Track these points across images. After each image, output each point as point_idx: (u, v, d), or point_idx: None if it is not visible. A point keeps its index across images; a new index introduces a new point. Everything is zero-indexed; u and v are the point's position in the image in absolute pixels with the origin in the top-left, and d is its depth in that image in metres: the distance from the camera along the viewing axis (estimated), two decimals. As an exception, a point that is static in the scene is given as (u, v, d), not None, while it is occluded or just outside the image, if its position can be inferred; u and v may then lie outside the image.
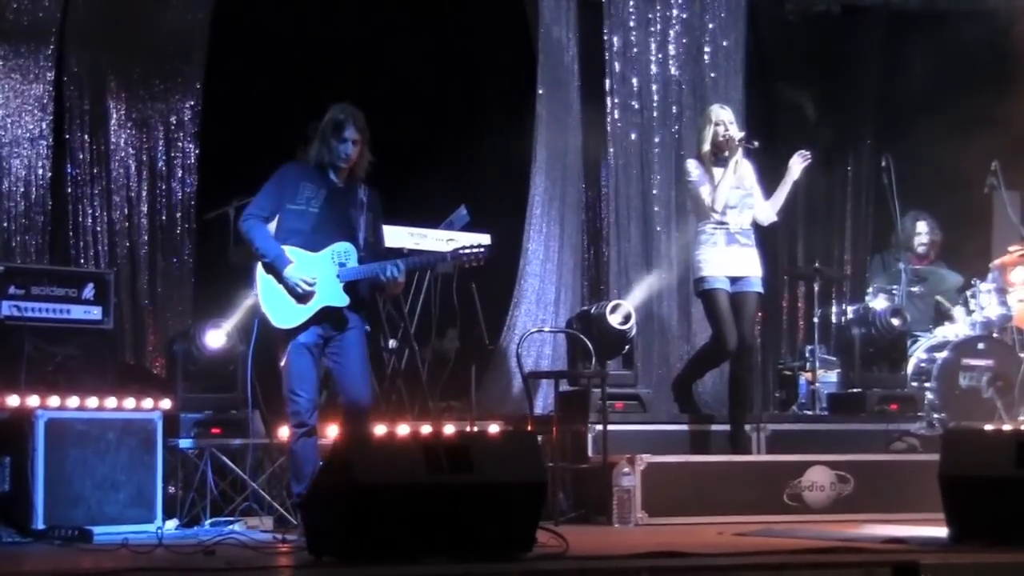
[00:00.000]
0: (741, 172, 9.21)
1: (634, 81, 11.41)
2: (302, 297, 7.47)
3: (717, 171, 9.14)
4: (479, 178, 11.12)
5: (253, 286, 7.66)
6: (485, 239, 9.50)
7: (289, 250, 7.52)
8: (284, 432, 8.73)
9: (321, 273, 7.51)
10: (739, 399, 9.27)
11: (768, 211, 9.33)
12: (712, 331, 9.29)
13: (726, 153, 9.16)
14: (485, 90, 11.73)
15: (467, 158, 11.38)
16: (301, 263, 7.50)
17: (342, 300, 7.55)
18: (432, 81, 11.44)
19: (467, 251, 7.72)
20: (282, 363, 7.56)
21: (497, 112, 11.61)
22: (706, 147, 9.20)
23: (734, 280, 9.13)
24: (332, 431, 8.60)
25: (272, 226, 7.65)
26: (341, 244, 7.57)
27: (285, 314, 7.52)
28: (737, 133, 9.19)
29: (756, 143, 9.23)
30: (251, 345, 8.11)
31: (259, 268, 7.58)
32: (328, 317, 7.54)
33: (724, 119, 9.21)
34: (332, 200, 7.60)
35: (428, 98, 11.40)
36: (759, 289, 9.27)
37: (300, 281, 7.45)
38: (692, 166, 9.26)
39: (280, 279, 7.49)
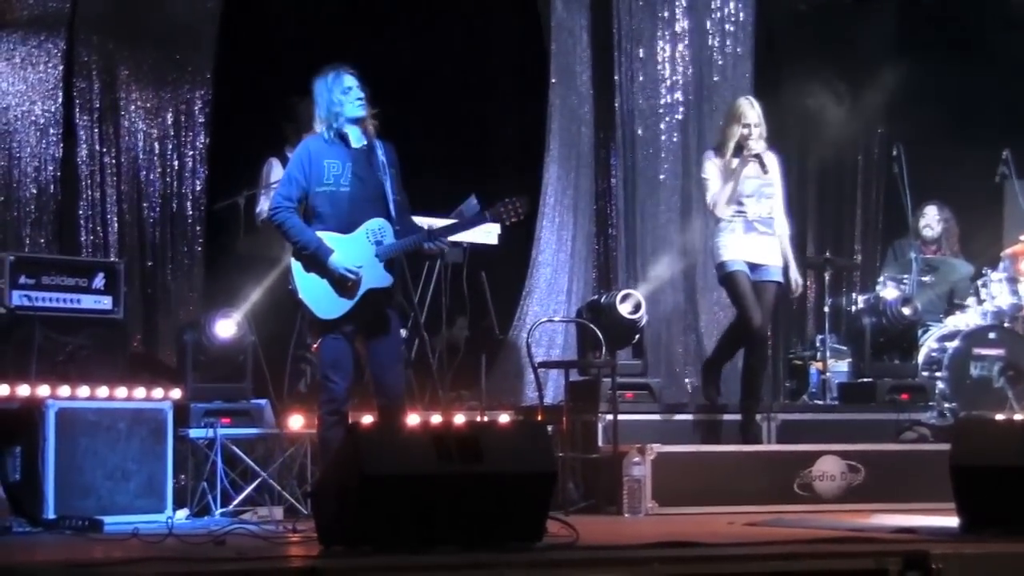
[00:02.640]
0: (766, 163, 9.06)
1: (642, 70, 11.40)
2: (349, 288, 7.29)
3: (736, 164, 9.03)
4: (490, 168, 11.12)
5: (289, 279, 7.42)
6: (494, 228, 9.49)
7: (324, 236, 7.32)
8: (297, 421, 8.79)
9: (360, 255, 7.32)
10: (750, 389, 9.21)
11: (782, 226, 9.20)
12: (736, 311, 9.22)
13: (744, 152, 9.01)
14: (496, 78, 11.71)
15: (478, 148, 11.38)
16: (340, 249, 7.29)
17: (385, 280, 7.36)
18: (443, 70, 11.43)
19: (505, 207, 7.51)
20: (314, 347, 7.46)
21: (508, 101, 11.61)
22: (729, 148, 9.06)
23: (753, 268, 9.05)
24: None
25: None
26: (375, 221, 7.36)
27: (328, 305, 7.32)
28: (757, 145, 8.99)
29: (766, 170, 9.03)
30: (293, 338, 7.96)
31: (294, 259, 7.40)
32: (369, 306, 7.34)
33: (751, 120, 9.03)
34: (359, 172, 7.38)
35: (439, 87, 11.39)
36: (778, 279, 9.15)
37: (347, 271, 7.26)
38: (708, 162, 9.17)
39: (324, 270, 7.29)
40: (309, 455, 8.80)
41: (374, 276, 7.36)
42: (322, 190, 7.37)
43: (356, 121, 7.45)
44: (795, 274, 9.23)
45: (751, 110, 9.09)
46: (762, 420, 9.31)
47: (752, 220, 9.03)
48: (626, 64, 11.37)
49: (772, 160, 9.13)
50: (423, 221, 9.00)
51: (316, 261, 7.30)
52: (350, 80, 7.42)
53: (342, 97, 7.40)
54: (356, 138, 7.46)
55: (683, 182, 11.31)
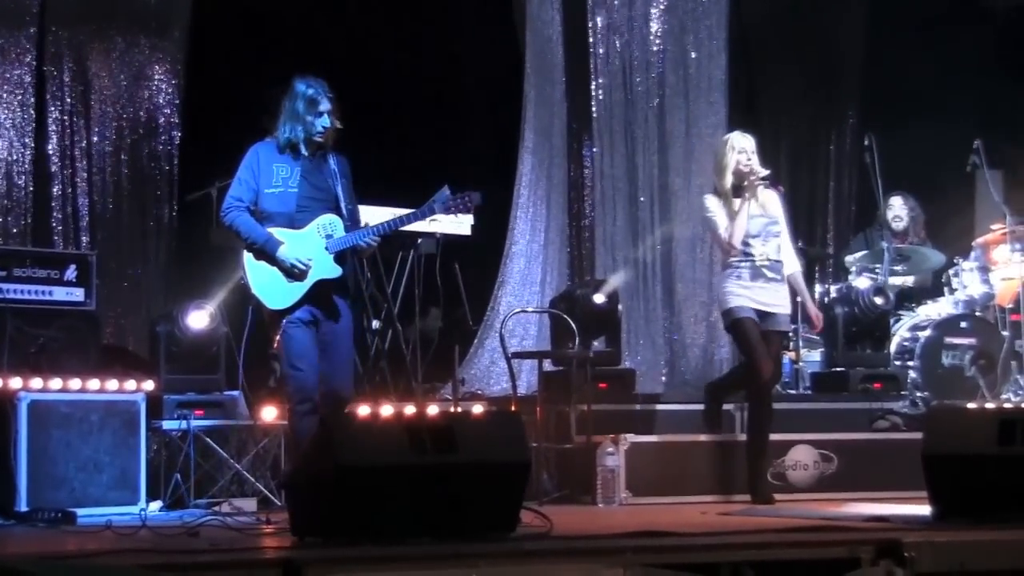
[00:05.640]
0: (763, 199, 8.59)
1: (617, 61, 11.40)
2: (298, 276, 7.42)
3: (739, 203, 8.52)
4: (462, 159, 11.11)
5: (242, 273, 7.58)
6: (467, 219, 9.48)
7: (275, 232, 7.46)
8: (270, 413, 8.77)
9: (310, 249, 7.46)
10: (759, 446, 8.60)
11: (793, 264, 8.77)
12: (746, 360, 8.74)
13: (745, 183, 8.50)
14: (470, 69, 11.71)
15: (450, 139, 11.37)
16: (290, 243, 7.44)
17: (335, 271, 7.49)
18: (417, 61, 11.42)
19: (455, 201, 7.60)
20: (276, 342, 7.52)
21: (481, 92, 11.60)
22: (728, 179, 8.52)
23: (762, 316, 8.50)
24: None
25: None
26: (325, 216, 7.51)
27: (279, 296, 7.46)
28: (760, 170, 8.51)
29: (781, 188, 8.78)
30: (246, 330, 8.01)
31: (246, 254, 7.52)
32: (321, 296, 7.47)
33: (747, 147, 8.59)
34: (307, 175, 7.54)
35: (413, 77, 11.38)
36: (785, 328, 8.81)
37: (296, 261, 7.40)
38: (709, 202, 8.64)
39: (274, 263, 7.44)
40: (283, 446, 8.80)
41: (324, 268, 7.49)
42: (271, 192, 7.53)
43: (311, 144, 7.58)
44: (813, 309, 8.95)
45: (743, 139, 8.62)
46: (735, 410, 9.30)
47: (759, 264, 8.49)
48: (600, 54, 11.37)
49: (773, 197, 8.70)
50: (396, 212, 9.02)
51: (266, 254, 7.45)
52: (326, 105, 7.53)
53: (313, 118, 7.53)
54: (306, 149, 7.60)
55: (658, 172, 11.32)
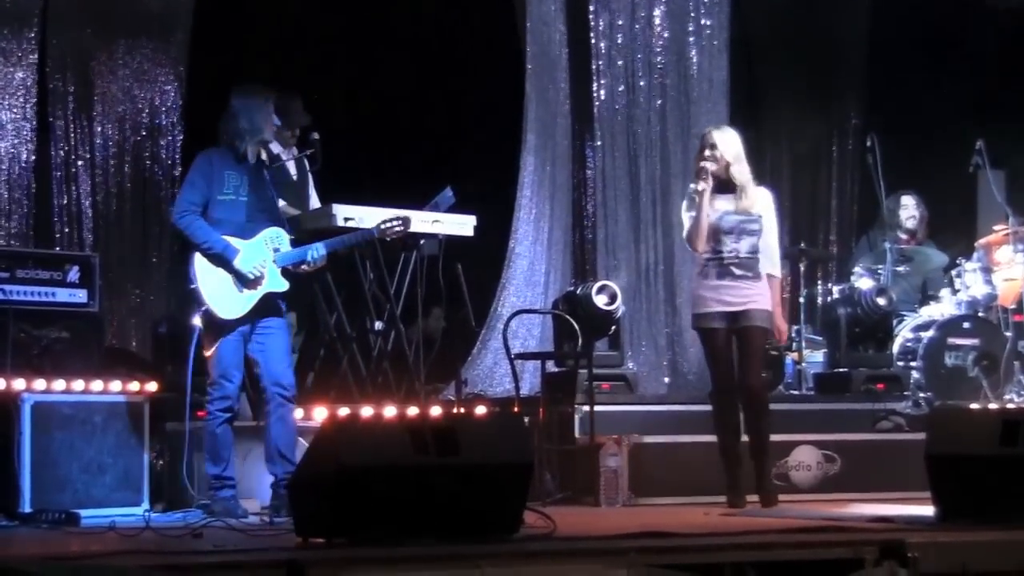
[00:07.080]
0: (751, 198, 8.25)
1: (620, 61, 11.39)
2: (253, 283, 7.72)
3: (717, 199, 8.21)
4: (464, 159, 11.11)
5: (192, 279, 7.76)
6: (470, 220, 9.47)
7: (226, 240, 7.74)
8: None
9: (260, 260, 7.77)
10: (755, 445, 8.30)
11: (773, 266, 8.37)
12: (709, 372, 8.60)
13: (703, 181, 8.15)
14: (472, 69, 11.71)
15: (452, 139, 11.37)
16: (244, 252, 7.72)
17: (282, 285, 7.85)
18: (418, 61, 11.43)
19: (388, 225, 8.22)
20: (210, 351, 7.78)
21: (485, 92, 11.60)
22: (696, 179, 8.25)
23: (734, 316, 8.16)
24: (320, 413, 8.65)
25: None
26: (272, 230, 7.83)
27: (229, 305, 7.74)
28: (711, 165, 8.15)
29: (709, 176, 8.17)
30: (194, 338, 8.02)
31: (197, 261, 7.74)
32: (267, 307, 7.81)
33: (707, 143, 8.23)
34: (254, 185, 7.84)
35: (415, 78, 11.38)
36: (761, 324, 8.21)
37: (254, 267, 7.70)
38: (687, 196, 8.38)
39: (230, 269, 7.70)
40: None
41: (273, 281, 7.83)
42: (223, 199, 7.80)
43: (255, 149, 7.92)
44: (780, 321, 8.46)
45: (708, 135, 8.30)
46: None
47: (728, 263, 8.16)
48: (602, 54, 11.36)
49: (763, 195, 8.43)
50: (397, 213, 9.01)
51: (223, 261, 7.72)
52: (275, 118, 8.01)
53: (264, 125, 7.89)
54: (252, 155, 7.94)
55: (661, 172, 11.31)
